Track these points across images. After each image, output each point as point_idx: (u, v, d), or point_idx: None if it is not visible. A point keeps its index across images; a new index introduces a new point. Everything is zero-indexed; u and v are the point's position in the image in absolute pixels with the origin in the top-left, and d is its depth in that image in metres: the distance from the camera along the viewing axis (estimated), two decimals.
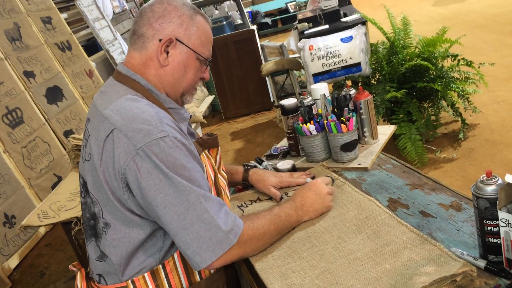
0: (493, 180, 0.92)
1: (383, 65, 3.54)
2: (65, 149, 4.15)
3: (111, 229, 1.10)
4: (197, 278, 1.19)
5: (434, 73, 3.52)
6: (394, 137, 3.38)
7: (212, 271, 1.22)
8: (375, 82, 3.75)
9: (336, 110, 1.55)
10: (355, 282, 1.00)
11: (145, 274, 1.13)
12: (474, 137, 3.56)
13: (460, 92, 3.49)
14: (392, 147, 3.40)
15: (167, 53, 1.16)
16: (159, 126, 1.04)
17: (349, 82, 3.78)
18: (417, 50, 3.60)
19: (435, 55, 3.50)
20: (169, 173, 1.02)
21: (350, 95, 1.58)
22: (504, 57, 4.89)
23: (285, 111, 1.63)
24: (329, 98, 1.61)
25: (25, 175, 3.71)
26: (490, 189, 0.91)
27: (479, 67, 3.48)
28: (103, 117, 1.09)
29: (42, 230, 3.82)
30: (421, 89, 3.53)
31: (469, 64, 3.46)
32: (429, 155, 3.46)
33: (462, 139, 3.55)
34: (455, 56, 3.50)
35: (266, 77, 4.77)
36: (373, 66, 3.67)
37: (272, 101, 5.35)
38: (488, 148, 3.36)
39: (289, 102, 1.64)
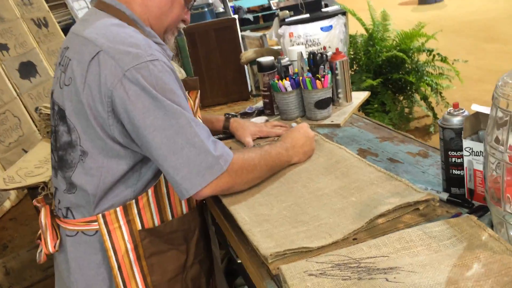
0: (460, 112, 0.94)
1: (361, 55, 3.59)
2: (36, 125, 4.06)
3: (89, 157, 1.06)
4: (169, 216, 1.16)
5: (410, 66, 3.59)
6: None
7: (184, 211, 1.19)
8: (353, 72, 3.80)
9: (312, 67, 1.56)
10: (321, 212, 1.00)
11: (117, 209, 1.09)
12: None
13: (434, 85, 3.56)
14: None
15: None
16: (148, 50, 1.01)
17: None
18: (394, 42, 3.67)
19: (411, 48, 3.58)
20: (158, 96, 0.98)
21: (326, 55, 1.59)
22: (478, 60, 5.02)
23: (261, 68, 1.63)
24: (306, 59, 1.62)
25: None
26: (456, 120, 0.93)
27: (453, 63, 3.57)
28: (86, 40, 1.04)
29: (7, 204, 3.72)
30: (396, 81, 3.59)
31: (443, 59, 3.54)
32: None
33: (433, 132, 3.63)
34: (430, 51, 3.58)
35: (245, 66, 4.77)
36: (351, 56, 3.72)
37: (250, 90, 5.35)
38: None
39: (266, 59, 1.64)
